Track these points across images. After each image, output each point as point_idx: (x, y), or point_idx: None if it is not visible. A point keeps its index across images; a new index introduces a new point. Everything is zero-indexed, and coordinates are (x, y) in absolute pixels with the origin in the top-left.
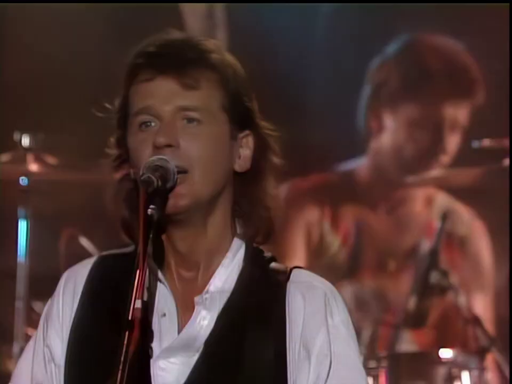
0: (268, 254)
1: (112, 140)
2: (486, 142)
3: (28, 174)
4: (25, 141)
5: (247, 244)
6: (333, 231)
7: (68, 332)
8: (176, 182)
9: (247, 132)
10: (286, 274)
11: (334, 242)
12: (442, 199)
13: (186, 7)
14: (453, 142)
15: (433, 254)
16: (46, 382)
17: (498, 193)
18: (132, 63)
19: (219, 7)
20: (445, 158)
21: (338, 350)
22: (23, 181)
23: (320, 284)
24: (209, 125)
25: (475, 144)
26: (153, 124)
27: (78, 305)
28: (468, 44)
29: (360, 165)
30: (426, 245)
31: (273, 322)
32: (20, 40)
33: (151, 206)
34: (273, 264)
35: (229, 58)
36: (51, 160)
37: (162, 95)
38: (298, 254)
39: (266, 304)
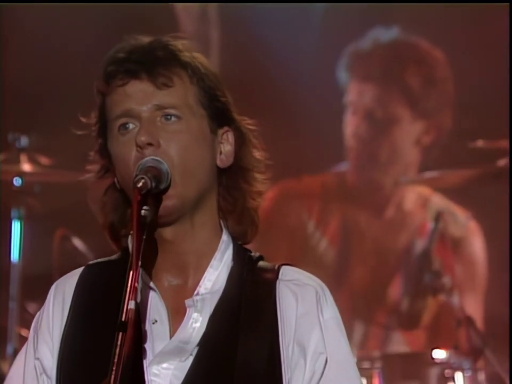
0: (255, 253)
1: (94, 152)
2: (480, 143)
3: (21, 174)
4: (19, 141)
5: (235, 244)
6: (321, 231)
7: (58, 343)
8: (170, 183)
9: (226, 128)
10: (275, 272)
11: (322, 242)
12: (438, 201)
13: (180, 8)
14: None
15: (426, 255)
16: None
17: (492, 194)
18: (103, 71)
19: (212, 7)
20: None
21: (331, 347)
22: (17, 181)
23: (310, 281)
24: (188, 121)
25: (469, 145)
26: (132, 126)
27: (68, 316)
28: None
29: (349, 166)
30: (420, 246)
31: (265, 321)
32: (15, 42)
33: (144, 207)
34: (261, 263)
35: (198, 56)
36: (45, 160)
37: (139, 96)
38: (285, 254)
39: (257, 304)
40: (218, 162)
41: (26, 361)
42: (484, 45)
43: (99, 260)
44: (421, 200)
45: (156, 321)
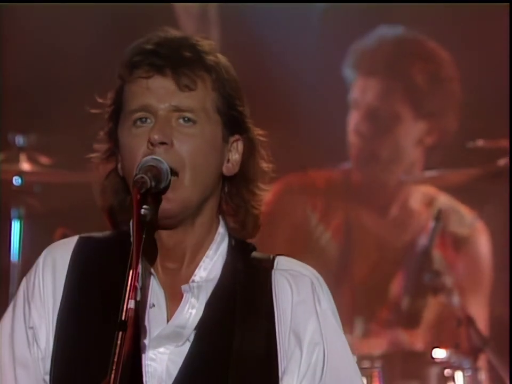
0: (250, 244)
1: (103, 133)
2: (480, 143)
3: (21, 174)
4: (19, 141)
5: (230, 235)
6: (324, 225)
7: (51, 313)
8: (170, 182)
9: (237, 136)
10: (270, 262)
11: (324, 236)
12: (444, 200)
13: (180, 7)
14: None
15: (426, 254)
16: (32, 363)
17: (493, 193)
18: (128, 59)
19: (212, 7)
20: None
21: (330, 337)
22: (17, 181)
23: (306, 271)
24: (203, 126)
25: (469, 144)
26: (148, 121)
27: (64, 290)
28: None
29: (351, 163)
30: (421, 245)
31: (262, 309)
32: (15, 42)
33: (144, 206)
34: (255, 253)
35: (223, 60)
36: (44, 160)
37: (160, 93)
38: (287, 246)
39: (253, 292)
40: (224, 170)
41: (14, 329)
42: (483, 45)
43: (93, 235)
44: (426, 200)
45: (154, 305)
